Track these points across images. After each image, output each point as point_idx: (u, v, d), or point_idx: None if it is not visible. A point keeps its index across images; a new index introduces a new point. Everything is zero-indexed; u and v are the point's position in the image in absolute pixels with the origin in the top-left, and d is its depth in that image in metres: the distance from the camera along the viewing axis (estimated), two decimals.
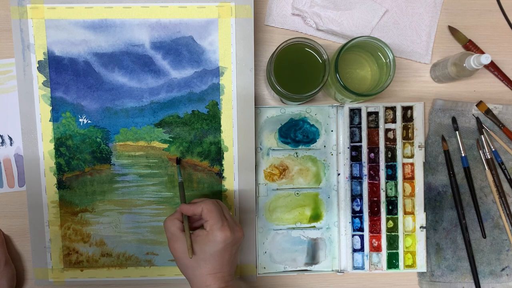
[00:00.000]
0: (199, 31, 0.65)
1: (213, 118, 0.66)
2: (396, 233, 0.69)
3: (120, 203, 0.67)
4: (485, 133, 0.70)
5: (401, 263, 0.69)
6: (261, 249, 0.70)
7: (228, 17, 0.65)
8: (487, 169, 0.70)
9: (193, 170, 0.67)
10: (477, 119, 0.70)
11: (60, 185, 0.67)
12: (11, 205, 0.69)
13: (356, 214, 0.69)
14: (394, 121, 0.69)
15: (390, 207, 0.69)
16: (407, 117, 0.70)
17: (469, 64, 0.61)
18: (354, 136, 0.69)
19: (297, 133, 0.70)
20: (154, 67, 0.66)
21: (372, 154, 0.69)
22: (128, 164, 0.67)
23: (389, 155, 0.69)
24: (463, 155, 0.70)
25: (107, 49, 0.65)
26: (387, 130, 0.69)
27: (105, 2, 0.64)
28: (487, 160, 0.70)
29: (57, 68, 0.65)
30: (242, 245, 0.68)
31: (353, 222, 0.69)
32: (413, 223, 0.70)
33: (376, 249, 0.70)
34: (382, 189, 0.69)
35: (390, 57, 0.60)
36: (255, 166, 0.68)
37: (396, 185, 0.69)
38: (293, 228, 0.70)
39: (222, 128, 0.67)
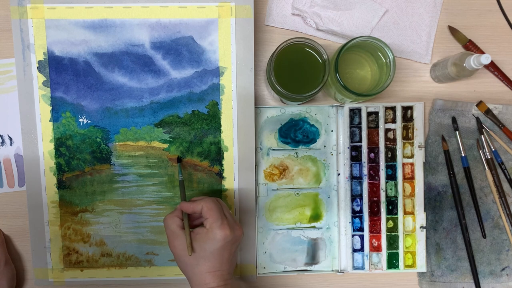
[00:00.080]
0: (199, 31, 0.65)
1: (213, 118, 0.66)
2: (396, 233, 0.69)
3: (120, 203, 0.67)
4: (485, 133, 0.70)
5: (401, 263, 0.69)
6: (261, 249, 0.70)
7: (228, 17, 0.65)
8: (487, 169, 0.70)
9: (193, 170, 0.67)
10: (477, 119, 0.70)
11: (60, 185, 0.67)
12: (11, 205, 0.69)
13: (356, 214, 0.69)
14: (394, 121, 0.69)
15: (390, 207, 0.69)
16: (407, 117, 0.70)
17: (469, 64, 0.61)
18: (354, 136, 0.69)
19: (297, 133, 0.70)
20: (154, 67, 0.66)
21: (372, 154, 0.69)
22: (128, 164, 0.67)
23: (389, 155, 0.69)
24: (463, 155, 0.70)
25: (107, 49, 0.65)
26: (387, 130, 0.69)
27: (105, 2, 0.64)
28: (487, 160, 0.70)
29: (57, 68, 0.65)
30: (242, 245, 0.68)
31: (353, 222, 0.69)
32: (413, 223, 0.70)
33: (376, 249, 0.70)
34: (382, 189, 0.69)
35: (390, 57, 0.60)
36: (255, 166, 0.68)
37: (396, 185, 0.69)
38: (293, 228, 0.70)
39: (222, 128, 0.67)
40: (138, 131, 0.67)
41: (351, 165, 0.69)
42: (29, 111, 0.66)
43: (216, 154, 0.67)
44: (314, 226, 0.70)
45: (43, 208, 0.67)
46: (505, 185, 0.71)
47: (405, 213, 0.70)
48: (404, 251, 0.70)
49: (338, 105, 0.69)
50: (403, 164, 0.70)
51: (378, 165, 0.69)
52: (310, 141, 0.70)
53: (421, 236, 0.70)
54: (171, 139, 0.67)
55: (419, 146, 0.69)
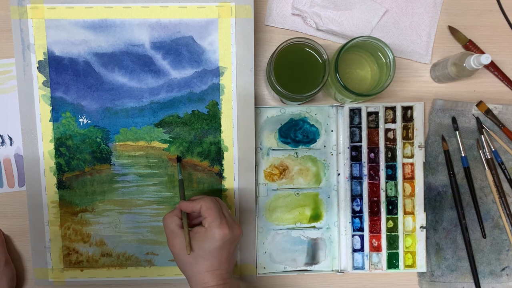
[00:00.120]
0: (199, 31, 0.65)
1: (213, 118, 0.66)
2: (396, 233, 0.69)
3: (120, 203, 0.67)
4: (485, 133, 0.70)
5: (401, 263, 0.69)
6: (261, 249, 0.70)
7: (228, 17, 0.65)
8: (487, 169, 0.70)
9: (193, 170, 0.67)
10: (477, 119, 0.70)
11: (60, 185, 0.67)
12: (11, 205, 0.69)
13: (356, 214, 0.69)
14: (394, 121, 0.69)
15: (390, 207, 0.69)
16: (407, 117, 0.70)
17: (469, 64, 0.61)
18: (354, 136, 0.69)
19: (297, 133, 0.70)
20: (154, 67, 0.66)
21: (372, 154, 0.69)
22: (128, 164, 0.67)
23: (389, 155, 0.69)
24: (463, 155, 0.70)
25: (107, 49, 0.65)
26: (387, 130, 0.69)
27: (105, 2, 0.64)
28: (487, 160, 0.70)
29: (57, 68, 0.65)
30: (242, 245, 0.68)
31: (353, 222, 0.69)
32: (413, 223, 0.70)
33: (376, 249, 0.70)
34: (382, 189, 0.69)
35: (390, 57, 0.60)
36: (255, 166, 0.68)
37: (396, 185, 0.69)
38: (293, 228, 0.70)
39: (222, 128, 0.67)
40: (138, 131, 0.67)
41: (351, 165, 0.69)
42: (29, 111, 0.66)
43: (216, 154, 0.67)
44: (314, 226, 0.70)
45: (43, 208, 0.67)
46: (505, 185, 0.71)
47: (405, 213, 0.70)
48: (404, 251, 0.70)
49: (338, 105, 0.69)
50: (403, 164, 0.70)
51: (378, 165, 0.69)
52: (310, 141, 0.70)
53: (421, 236, 0.70)
54: (171, 139, 0.67)
55: (419, 146, 0.69)
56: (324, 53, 0.60)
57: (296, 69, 0.63)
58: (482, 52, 0.70)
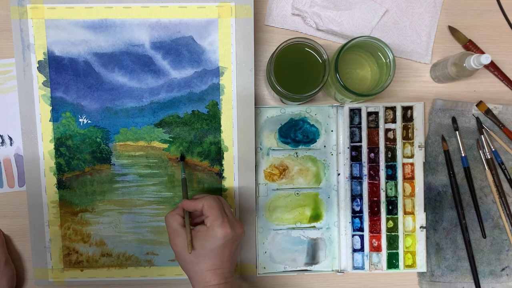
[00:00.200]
0: (199, 31, 0.65)
1: (213, 118, 0.66)
2: (396, 233, 0.69)
3: (120, 203, 0.67)
4: (485, 133, 0.70)
5: (401, 263, 0.69)
6: (261, 249, 0.70)
7: (228, 17, 0.65)
8: (487, 169, 0.70)
9: (193, 170, 0.67)
10: (477, 119, 0.70)
11: (60, 185, 0.67)
12: (11, 205, 0.69)
13: (356, 214, 0.69)
14: (394, 121, 0.69)
15: (390, 207, 0.69)
16: (407, 117, 0.70)
17: (469, 64, 0.61)
18: (354, 136, 0.69)
19: (297, 133, 0.70)
20: (154, 67, 0.66)
21: (372, 154, 0.69)
22: (128, 164, 0.67)
23: (389, 155, 0.69)
24: (463, 155, 0.70)
25: (107, 49, 0.65)
26: (387, 130, 0.69)
27: (105, 2, 0.64)
28: (487, 160, 0.70)
29: (57, 68, 0.65)
30: (242, 245, 0.68)
31: (353, 222, 0.69)
32: (413, 223, 0.70)
33: (376, 249, 0.70)
34: (382, 189, 0.69)
35: (390, 57, 0.60)
36: (255, 166, 0.68)
37: (396, 185, 0.69)
38: (293, 228, 0.70)
39: (222, 128, 0.67)
40: (138, 131, 0.67)
41: (351, 165, 0.69)
42: (29, 111, 0.66)
43: (216, 154, 0.67)
44: (314, 226, 0.70)
45: (43, 208, 0.67)
46: (505, 185, 0.71)
47: (405, 213, 0.70)
48: (404, 251, 0.70)
49: (338, 105, 0.69)
50: (403, 164, 0.70)
51: (378, 165, 0.69)
52: (310, 141, 0.70)
53: (421, 236, 0.70)
54: (171, 139, 0.67)
55: (419, 146, 0.69)
56: (324, 53, 0.60)
57: (296, 69, 0.63)
58: (482, 52, 0.70)
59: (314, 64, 0.62)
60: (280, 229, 0.70)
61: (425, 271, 0.70)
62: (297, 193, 0.70)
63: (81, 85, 0.66)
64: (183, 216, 0.57)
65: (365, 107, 0.69)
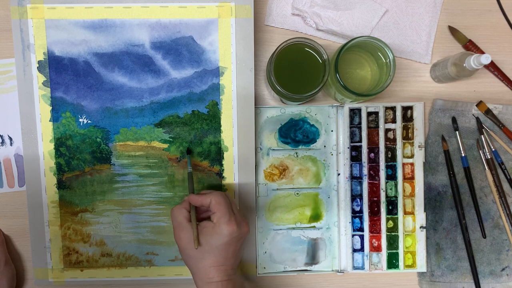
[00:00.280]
0: (199, 31, 0.65)
1: (213, 118, 0.66)
2: (396, 233, 0.69)
3: (120, 203, 0.67)
4: (485, 133, 0.70)
5: (401, 263, 0.69)
6: (261, 249, 0.70)
7: (228, 17, 0.65)
8: (487, 169, 0.70)
9: (193, 170, 0.67)
10: (477, 119, 0.70)
11: (60, 185, 0.67)
12: (11, 205, 0.69)
13: (356, 214, 0.69)
14: (394, 121, 0.69)
15: (390, 207, 0.69)
16: (407, 117, 0.70)
17: (469, 64, 0.61)
18: (354, 136, 0.69)
19: (297, 133, 0.70)
20: (154, 67, 0.66)
21: (372, 154, 0.69)
22: (128, 164, 0.67)
23: (389, 155, 0.69)
24: (463, 155, 0.70)
25: (107, 49, 0.65)
26: (387, 130, 0.69)
27: (105, 2, 0.64)
28: (487, 160, 0.70)
29: (57, 68, 0.65)
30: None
31: (353, 222, 0.69)
32: (413, 223, 0.70)
33: (376, 249, 0.70)
34: (382, 189, 0.69)
35: (390, 57, 0.60)
36: (255, 166, 0.68)
37: (396, 185, 0.69)
38: (293, 228, 0.70)
39: (222, 128, 0.67)
40: (138, 131, 0.67)
41: (351, 165, 0.69)
42: (29, 111, 0.66)
43: (216, 154, 0.67)
44: (314, 226, 0.70)
45: (43, 208, 0.67)
46: (505, 185, 0.71)
47: (405, 213, 0.70)
48: (404, 251, 0.70)
49: (338, 105, 0.69)
50: (403, 164, 0.70)
51: (378, 165, 0.69)
52: (310, 141, 0.70)
53: (421, 236, 0.70)
54: (171, 139, 0.67)
55: (419, 146, 0.69)
56: (324, 53, 0.60)
57: (296, 69, 0.63)
58: (482, 52, 0.70)
59: (314, 64, 0.62)
60: (280, 229, 0.70)
61: (425, 271, 0.70)
62: (297, 193, 0.70)
63: (81, 85, 0.66)
64: (189, 210, 0.57)
65: (365, 107, 0.69)
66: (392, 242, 0.70)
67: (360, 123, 0.69)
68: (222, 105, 0.66)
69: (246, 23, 0.65)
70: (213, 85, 0.66)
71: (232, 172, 0.67)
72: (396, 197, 0.69)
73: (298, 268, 0.70)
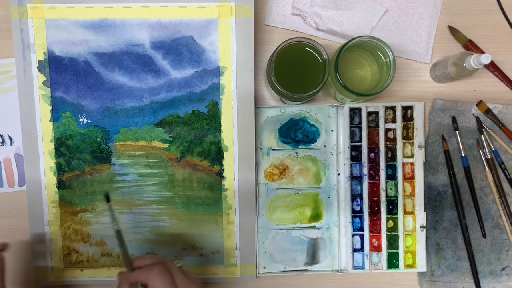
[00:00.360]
0: (199, 31, 0.65)
1: (213, 118, 0.66)
2: (396, 233, 0.69)
3: (120, 203, 0.67)
4: (485, 133, 0.70)
5: (401, 263, 0.69)
6: (261, 249, 0.70)
7: (228, 17, 0.65)
8: (487, 169, 0.70)
9: (193, 170, 0.67)
10: (477, 119, 0.70)
11: (60, 185, 0.67)
12: (11, 205, 0.69)
13: (356, 214, 0.69)
14: (394, 121, 0.69)
15: (390, 207, 0.69)
16: (407, 117, 0.70)
17: (469, 64, 0.61)
18: (354, 136, 0.69)
19: (297, 133, 0.70)
20: (154, 67, 0.66)
21: (372, 154, 0.69)
22: (128, 164, 0.67)
23: (389, 155, 0.69)
24: (463, 155, 0.70)
25: (107, 49, 0.65)
26: (387, 130, 0.69)
27: (105, 2, 0.64)
28: (487, 160, 0.70)
29: (57, 68, 0.65)
30: (242, 245, 0.68)
31: (353, 222, 0.69)
32: (413, 223, 0.70)
33: (376, 248, 0.70)
34: (382, 189, 0.69)
35: (390, 57, 0.60)
36: (255, 166, 0.68)
37: (396, 185, 0.69)
38: (293, 228, 0.70)
39: (222, 128, 0.67)
40: (138, 131, 0.67)
41: (351, 165, 0.69)
42: (29, 111, 0.66)
43: (216, 154, 0.67)
44: (314, 226, 0.70)
45: (43, 208, 0.67)
46: (505, 185, 0.71)
47: (405, 213, 0.70)
48: (404, 250, 0.70)
49: (338, 105, 0.69)
50: (403, 164, 0.70)
51: (378, 165, 0.69)
52: (310, 141, 0.70)
53: (421, 236, 0.70)
54: (171, 139, 0.67)
55: (419, 146, 0.69)
56: (324, 53, 0.60)
57: (296, 69, 0.63)
58: (482, 52, 0.70)
59: (314, 64, 0.62)
60: (280, 229, 0.70)
61: (425, 271, 0.70)
62: (297, 193, 0.70)
63: (81, 85, 0.66)
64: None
65: (365, 107, 0.69)
66: (392, 242, 0.70)
67: (360, 122, 0.69)
68: (222, 105, 0.66)
69: (246, 23, 0.65)
70: (213, 85, 0.66)
71: (232, 172, 0.67)
72: (396, 197, 0.69)
73: (298, 268, 0.70)
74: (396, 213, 0.69)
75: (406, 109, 0.70)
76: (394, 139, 0.69)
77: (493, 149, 0.70)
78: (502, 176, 0.71)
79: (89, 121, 0.66)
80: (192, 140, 0.67)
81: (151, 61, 0.66)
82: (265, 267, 0.70)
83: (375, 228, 0.69)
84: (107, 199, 0.57)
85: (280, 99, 0.67)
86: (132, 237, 0.68)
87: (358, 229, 0.70)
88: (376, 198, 0.69)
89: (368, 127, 0.69)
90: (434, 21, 0.70)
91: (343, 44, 0.60)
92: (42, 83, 0.65)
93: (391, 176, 0.69)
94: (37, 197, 0.67)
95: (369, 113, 0.69)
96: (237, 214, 0.68)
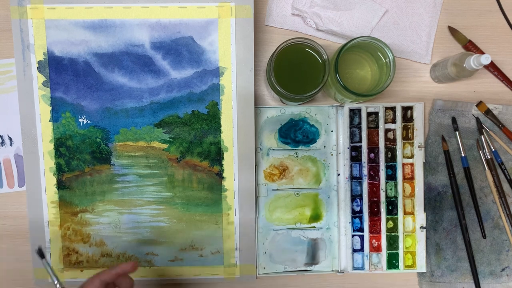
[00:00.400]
0: (199, 31, 0.65)
1: (213, 118, 0.66)
2: (396, 233, 0.69)
3: (120, 203, 0.67)
4: (485, 133, 0.70)
5: (401, 264, 0.69)
6: (261, 249, 0.70)
7: (228, 17, 0.65)
8: (487, 169, 0.70)
9: (193, 170, 0.67)
10: (477, 119, 0.70)
11: (60, 185, 0.67)
12: (11, 205, 0.70)
13: (356, 214, 0.69)
14: (394, 121, 0.69)
15: (390, 207, 0.69)
16: (407, 117, 0.70)
17: (469, 65, 0.61)
18: (354, 136, 0.69)
19: (297, 133, 0.70)
20: (154, 67, 0.66)
21: (372, 154, 0.69)
22: (128, 164, 0.67)
23: (389, 155, 0.69)
24: (463, 155, 0.70)
25: (107, 49, 0.65)
26: (387, 130, 0.69)
27: (105, 2, 0.64)
28: (487, 160, 0.70)
29: (57, 68, 0.65)
30: (242, 245, 0.68)
31: (353, 222, 0.69)
32: (413, 223, 0.70)
33: (376, 249, 0.70)
34: (382, 189, 0.69)
35: (390, 57, 0.60)
36: (255, 166, 0.68)
37: (396, 185, 0.69)
38: (293, 228, 0.70)
39: (222, 128, 0.67)
40: (138, 131, 0.67)
41: (351, 165, 0.69)
42: (29, 111, 0.66)
43: (216, 154, 0.67)
44: (314, 227, 0.70)
45: (43, 208, 0.67)
46: (505, 185, 0.71)
47: (405, 213, 0.70)
48: (404, 251, 0.69)
49: (338, 105, 0.69)
50: (403, 164, 0.70)
51: (378, 165, 0.69)
52: (310, 141, 0.70)
53: (421, 236, 0.70)
54: (171, 139, 0.67)
55: (419, 146, 0.69)
56: (324, 53, 0.60)
57: (296, 69, 0.63)
58: (482, 52, 0.70)
59: (314, 64, 0.62)
60: (280, 229, 0.70)
61: (425, 271, 0.70)
62: (297, 193, 0.70)
63: (81, 85, 0.66)
64: None
65: (365, 107, 0.69)
66: (392, 242, 0.70)
67: (360, 123, 0.69)
68: (222, 105, 0.66)
69: (246, 23, 0.65)
70: (213, 85, 0.66)
71: (232, 172, 0.67)
72: (396, 197, 0.69)
73: (298, 268, 0.70)
74: (396, 214, 0.69)
75: (406, 109, 0.70)
76: (394, 140, 0.69)
77: (493, 149, 0.70)
78: (502, 176, 0.71)
79: (89, 122, 0.66)
80: (192, 140, 0.67)
81: (151, 61, 0.66)
82: (265, 268, 0.70)
83: (375, 229, 0.69)
84: (41, 255, 0.55)
85: (280, 99, 0.67)
86: (132, 237, 0.68)
87: (358, 229, 0.70)
88: (376, 199, 0.69)
89: (368, 127, 0.69)
90: (434, 21, 0.70)
91: (343, 45, 0.60)
92: (42, 83, 0.65)
93: (391, 177, 0.69)
94: (37, 197, 0.67)
95: (369, 114, 0.69)
96: (237, 215, 0.68)
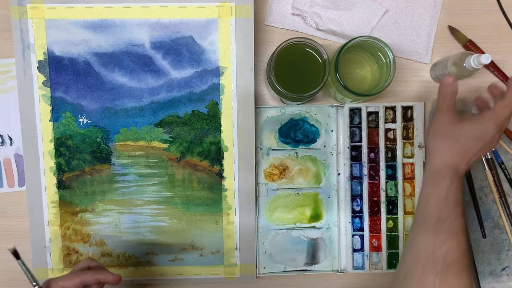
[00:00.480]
0: (199, 31, 0.65)
1: (213, 118, 0.66)
2: (396, 233, 0.69)
3: (120, 203, 0.67)
4: None
5: None
6: (261, 249, 0.70)
7: (228, 17, 0.65)
8: (487, 169, 0.70)
9: (193, 170, 0.67)
10: None
11: (60, 185, 0.67)
12: (11, 205, 0.69)
13: (356, 214, 0.69)
14: (394, 121, 0.69)
15: (390, 207, 0.69)
16: (407, 117, 0.70)
17: (469, 64, 0.61)
18: (354, 136, 0.69)
19: (297, 133, 0.70)
20: (154, 67, 0.66)
21: (372, 154, 0.69)
22: (128, 164, 0.67)
23: (389, 155, 0.69)
24: None
25: (107, 49, 0.65)
26: (387, 130, 0.69)
27: (105, 2, 0.64)
28: (487, 160, 0.70)
29: (57, 68, 0.65)
30: (242, 245, 0.68)
31: (353, 222, 0.69)
32: None
33: (376, 249, 0.70)
34: (382, 189, 0.69)
35: (390, 57, 0.60)
36: (255, 166, 0.68)
37: (396, 185, 0.69)
38: (293, 228, 0.70)
39: (222, 128, 0.67)
40: (138, 131, 0.67)
41: (351, 165, 0.69)
42: (29, 111, 0.66)
43: (216, 154, 0.67)
44: (314, 226, 0.70)
45: (43, 208, 0.67)
46: (505, 185, 0.71)
47: (405, 213, 0.70)
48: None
49: (338, 105, 0.69)
50: (403, 164, 0.70)
51: (378, 165, 0.69)
52: (310, 141, 0.70)
53: None
54: (171, 139, 0.67)
55: (419, 146, 0.69)
56: (324, 53, 0.60)
57: (296, 69, 0.63)
58: (482, 52, 0.70)
59: (314, 64, 0.62)
60: (280, 229, 0.70)
61: None
62: (297, 193, 0.70)
63: (81, 85, 0.66)
64: None
65: (365, 107, 0.69)
66: (392, 242, 0.70)
67: (360, 123, 0.69)
68: (222, 105, 0.66)
69: (246, 23, 0.65)
70: (213, 85, 0.66)
71: (232, 172, 0.67)
72: (396, 197, 0.69)
73: (298, 268, 0.70)
74: (396, 213, 0.69)
75: (406, 109, 0.70)
76: (394, 139, 0.69)
77: (493, 149, 0.70)
78: (502, 176, 0.71)
79: (89, 121, 0.66)
80: (192, 140, 0.67)
81: (151, 61, 0.66)
82: (265, 267, 0.70)
83: (375, 228, 0.69)
84: (16, 256, 0.53)
85: (280, 99, 0.67)
86: (132, 237, 0.68)
87: (358, 229, 0.70)
88: (376, 198, 0.69)
89: (368, 127, 0.69)
90: (434, 21, 0.70)
91: (343, 44, 0.60)
92: (42, 83, 0.65)
93: (391, 176, 0.69)
94: (37, 197, 0.67)
95: (369, 113, 0.69)
96: (237, 214, 0.68)
